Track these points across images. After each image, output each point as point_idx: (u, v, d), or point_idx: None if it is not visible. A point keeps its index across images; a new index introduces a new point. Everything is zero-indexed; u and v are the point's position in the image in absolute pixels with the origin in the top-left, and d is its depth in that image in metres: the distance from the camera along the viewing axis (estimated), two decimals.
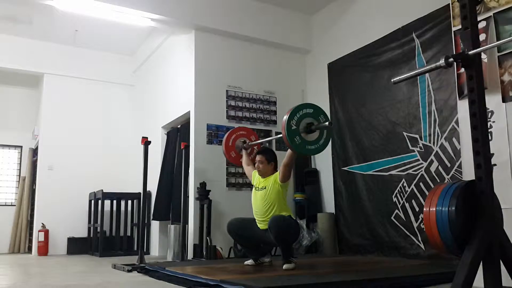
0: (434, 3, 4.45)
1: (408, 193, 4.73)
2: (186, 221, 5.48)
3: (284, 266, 3.71)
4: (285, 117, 3.56)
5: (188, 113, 5.88)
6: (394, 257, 4.72)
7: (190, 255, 5.41)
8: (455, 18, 3.27)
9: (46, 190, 7.11)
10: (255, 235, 4.05)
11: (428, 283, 3.04)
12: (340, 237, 5.55)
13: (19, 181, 8.05)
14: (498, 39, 2.93)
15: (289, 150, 3.81)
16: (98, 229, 6.59)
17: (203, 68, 5.84)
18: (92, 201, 7.06)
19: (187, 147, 5.63)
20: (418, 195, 4.61)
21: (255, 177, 4.22)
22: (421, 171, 4.62)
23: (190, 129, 5.79)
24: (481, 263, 2.01)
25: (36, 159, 7.52)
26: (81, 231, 7.17)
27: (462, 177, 3.42)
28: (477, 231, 2.01)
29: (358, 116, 5.45)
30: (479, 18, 2.72)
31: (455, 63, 2.16)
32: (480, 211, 2.06)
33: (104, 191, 6.68)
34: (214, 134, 5.73)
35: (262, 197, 4.00)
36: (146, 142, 5.13)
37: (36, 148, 7.65)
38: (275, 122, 6.16)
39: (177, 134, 6.53)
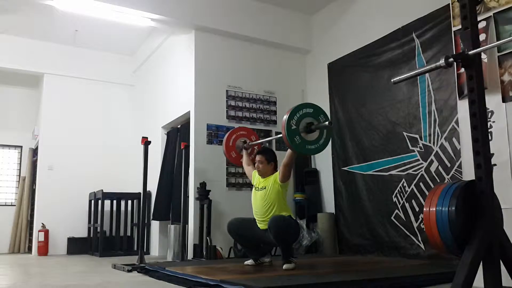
0: (434, 3, 4.45)
1: (408, 193, 4.73)
2: (186, 221, 5.48)
3: (284, 266, 3.71)
4: (285, 117, 3.56)
5: (188, 113, 5.88)
6: (394, 257, 4.72)
7: (190, 255, 5.41)
8: (455, 18, 3.27)
9: (46, 190, 7.12)
10: (255, 235, 4.05)
11: (428, 283, 3.04)
12: (340, 237, 5.55)
13: (19, 181, 8.05)
14: (498, 39, 2.93)
15: (289, 150, 3.81)
16: (98, 229, 6.59)
17: (203, 68, 5.84)
18: (92, 201, 7.06)
19: (187, 147, 5.63)
20: (418, 195, 4.61)
21: (255, 177, 4.22)
22: (421, 171, 4.62)
23: (190, 129, 5.79)
24: (481, 263, 2.01)
25: (36, 159, 7.52)
26: (81, 231, 7.18)
27: (462, 177, 3.42)
28: (477, 231, 2.01)
29: (358, 116, 5.45)
30: (479, 18, 2.72)
31: (455, 63, 2.16)
32: (480, 211, 2.06)
33: (104, 191, 6.68)
34: (214, 134, 5.73)
35: (262, 197, 4.00)
36: (146, 142, 5.13)
37: (36, 148, 7.65)
38: (275, 122, 6.16)
39: (177, 134, 6.53)
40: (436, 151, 4.48)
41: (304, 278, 3.19)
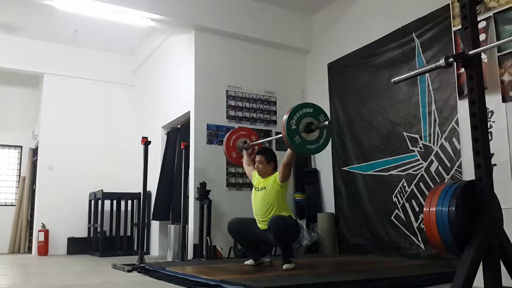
0: (434, 3, 4.45)
1: (408, 193, 4.73)
2: (186, 221, 5.48)
3: (284, 266, 3.71)
4: (285, 117, 3.56)
5: (188, 113, 5.88)
6: (394, 257, 4.72)
7: (190, 255, 5.41)
8: (455, 18, 3.27)
9: (46, 190, 7.12)
10: (255, 235, 4.05)
11: (428, 283, 3.04)
12: (340, 237, 5.55)
13: (19, 181, 8.05)
14: (498, 39, 2.93)
15: (289, 150, 3.81)
16: (98, 229, 6.59)
17: (203, 68, 5.84)
18: (92, 201, 7.06)
19: (187, 147, 5.63)
20: (418, 195, 4.61)
21: (255, 177, 4.22)
22: (421, 171, 4.62)
23: (190, 129, 5.79)
24: (481, 263, 2.01)
25: (36, 159, 7.52)
26: (81, 231, 7.18)
27: (462, 177, 3.42)
28: (477, 231, 2.01)
29: (358, 116, 5.45)
30: (479, 18, 2.72)
31: (455, 63, 2.16)
32: (480, 211, 2.06)
33: (104, 191, 6.68)
34: (214, 134, 5.73)
35: (262, 197, 4.00)
36: (146, 142, 5.13)
37: (36, 148, 7.65)
38: (275, 122, 6.16)
39: (177, 134, 6.53)
40: (436, 151, 4.48)
41: (304, 278, 3.19)
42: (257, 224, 4.04)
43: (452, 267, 2.93)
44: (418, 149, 4.67)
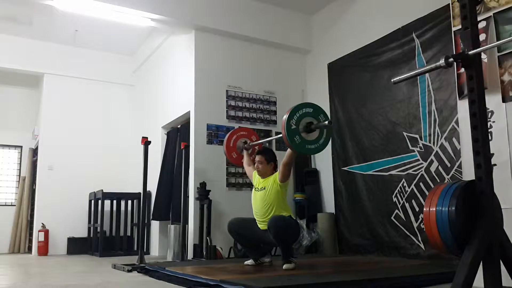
0: (434, 3, 4.45)
1: (408, 193, 4.73)
2: (186, 221, 5.48)
3: (284, 266, 3.71)
4: (285, 117, 3.56)
5: (188, 113, 5.88)
6: (394, 257, 4.72)
7: (190, 255, 5.41)
8: (455, 18, 3.27)
9: (46, 190, 7.12)
10: (256, 235, 4.05)
11: (428, 283, 3.04)
12: (340, 237, 5.55)
13: (19, 181, 8.05)
14: (498, 39, 2.93)
15: (288, 150, 3.81)
16: (98, 229, 6.59)
17: (203, 68, 5.84)
18: (92, 201, 7.06)
19: (187, 147, 5.63)
20: (418, 195, 4.61)
21: (255, 177, 4.21)
22: (421, 171, 4.62)
23: (190, 129, 5.79)
24: (481, 263, 2.01)
25: (36, 159, 7.52)
26: (81, 231, 7.17)
27: (462, 177, 3.42)
28: (477, 231, 2.01)
29: (358, 116, 5.45)
30: (479, 18, 2.72)
31: (455, 63, 2.16)
32: (480, 211, 2.06)
33: (104, 191, 6.68)
34: (214, 134, 5.73)
35: (262, 197, 4.00)
36: (146, 142, 5.13)
37: (36, 148, 7.65)
38: (275, 122, 6.16)
39: (177, 134, 6.53)
40: (436, 151, 4.48)
41: (304, 278, 3.19)
42: (257, 224, 4.04)
43: (452, 267, 2.93)
44: (418, 149, 4.67)
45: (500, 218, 2.17)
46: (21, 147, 8.23)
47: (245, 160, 4.53)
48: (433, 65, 2.21)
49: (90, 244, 6.91)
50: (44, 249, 6.84)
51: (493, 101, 2.92)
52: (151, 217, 6.75)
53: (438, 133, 4.48)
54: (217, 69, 5.92)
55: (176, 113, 6.32)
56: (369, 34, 5.38)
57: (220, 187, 5.57)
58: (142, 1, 5.51)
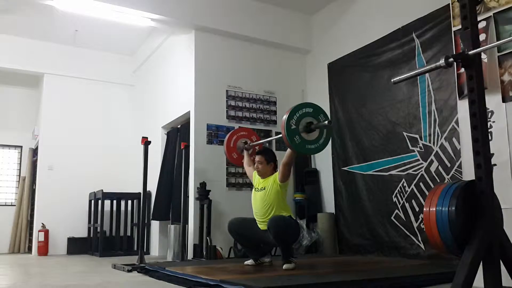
0: (434, 3, 4.45)
1: (408, 193, 4.73)
2: (186, 221, 5.48)
3: (284, 266, 3.71)
4: (285, 117, 3.56)
5: (188, 113, 5.88)
6: (394, 257, 4.72)
7: (190, 255, 5.41)
8: (455, 18, 3.27)
9: (46, 190, 7.11)
10: (256, 235, 4.05)
11: (428, 283, 3.04)
12: (340, 237, 5.55)
13: (19, 181, 8.05)
14: (498, 39, 2.93)
15: (288, 150, 3.81)
16: (98, 229, 6.59)
17: (203, 68, 5.84)
18: (92, 201, 7.06)
19: (187, 147, 5.63)
20: (418, 195, 4.61)
21: (255, 177, 4.21)
22: (421, 171, 4.62)
23: (190, 129, 5.79)
24: (481, 263, 2.01)
25: (36, 159, 7.52)
26: (81, 231, 7.17)
27: (462, 177, 3.42)
28: (477, 231, 2.01)
29: (358, 116, 5.45)
30: (479, 18, 2.72)
31: (455, 63, 2.16)
32: (480, 211, 2.06)
33: (104, 191, 6.68)
34: (214, 134, 5.73)
35: (262, 197, 4.00)
36: (146, 142, 5.13)
37: (36, 148, 7.65)
38: (275, 122, 6.16)
39: (177, 134, 6.53)
40: (436, 151, 4.48)
41: (304, 278, 3.19)
42: (257, 224, 4.04)
43: (452, 267, 2.93)
44: (418, 149, 4.67)
45: (500, 218, 2.17)
46: (21, 147, 8.23)
47: (246, 160, 4.53)
48: (433, 65, 2.21)
49: (90, 244, 6.91)
50: (44, 249, 6.84)
51: (493, 101, 2.92)
52: (151, 217, 6.74)
53: (438, 133, 4.48)
54: (217, 69, 5.92)
55: (176, 113, 6.32)
56: (369, 34, 5.38)
57: (220, 187, 5.57)
58: (142, 1, 5.51)
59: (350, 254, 5.30)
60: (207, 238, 5.17)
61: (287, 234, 3.81)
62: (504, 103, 2.91)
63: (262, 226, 3.98)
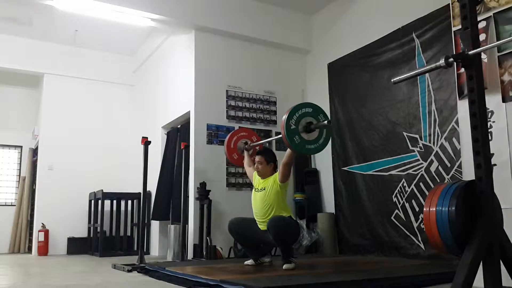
0: (434, 3, 4.45)
1: (408, 193, 4.73)
2: (186, 221, 5.48)
3: (284, 266, 3.71)
4: (284, 117, 3.56)
5: (188, 113, 5.88)
6: (394, 257, 4.72)
7: (190, 255, 5.41)
8: (455, 18, 3.27)
9: (46, 190, 7.11)
10: (256, 235, 4.05)
11: (428, 283, 3.04)
12: (340, 237, 5.55)
13: (19, 181, 8.05)
14: (498, 39, 2.93)
15: (288, 150, 3.81)
16: (98, 229, 6.59)
17: (203, 68, 5.84)
18: (92, 201, 7.06)
19: (187, 147, 5.63)
20: (418, 195, 4.61)
21: (255, 178, 4.21)
22: (421, 171, 4.62)
23: (190, 129, 5.79)
24: (481, 263, 2.01)
25: (36, 159, 7.52)
26: (81, 231, 7.17)
27: (462, 177, 3.42)
28: (477, 231, 2.01)
29: (358, 116, 5.45)
30: (479, 18, 2.72)
31: (455, 63, 2.16)
32: (480, 211, 2.06)
33: (104, 191, 6.68)
34: (214, 134, 5.73)
35: (262, 198, 4.00)
36: (146, 142, 5.13)
37: (36, 148, 7.65)
38: (275, 122, 6.16)
39: (177, 134, 6.53)
40: (436, 151, 4.48)
41: (304, 278, 3.19)
42: (258, 224, 4.04)
43: (452, 267, 2.93)
44: (418, 149, 4.67)
45: (500, 218, 2.17)
46: (21, 147, 8.23)
47: (246, 161, 4.52)
48: (433, 65, 2.21)
49: (90, 244, 6.91)
50: (44, 249, 6.84)
51: (493, 101, 2.92)
52: (151, 217, 6.74)
53: (438, 133, 4.48)
54: (217, 69, 5.92)
55: (176, 113, 6.32)
56: (369, 34, 5.38)
57: (220, 187, 5.57)
58: (142, 1, 5.51)
59: (350, 254, 5.29)
60: (207, 238, 5.17)
61: (287, 235, 3.81)
62: (504, 103, 2.91)
63: (262, 227, 3.97)
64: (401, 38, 4.94)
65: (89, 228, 7.10)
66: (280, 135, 3.68)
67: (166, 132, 6.88)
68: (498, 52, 2.95)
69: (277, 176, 3.98)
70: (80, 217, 7.18)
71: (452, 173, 4.29)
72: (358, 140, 5.41)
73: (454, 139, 4.27)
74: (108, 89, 7.89)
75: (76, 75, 7.61)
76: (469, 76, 2.17)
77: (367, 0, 5.56)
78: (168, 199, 6.45)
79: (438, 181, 4.38)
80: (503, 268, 2.03)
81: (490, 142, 2.24)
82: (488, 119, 2.89)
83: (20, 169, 8.17)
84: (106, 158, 7.56)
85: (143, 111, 7.65)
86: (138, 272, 4.12)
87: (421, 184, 4.60)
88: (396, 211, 4.83)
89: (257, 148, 4.62)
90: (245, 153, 4.56)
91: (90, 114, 7.66)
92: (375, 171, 5.14)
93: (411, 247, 4.64)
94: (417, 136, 4.69)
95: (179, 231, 5.44)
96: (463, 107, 3.06)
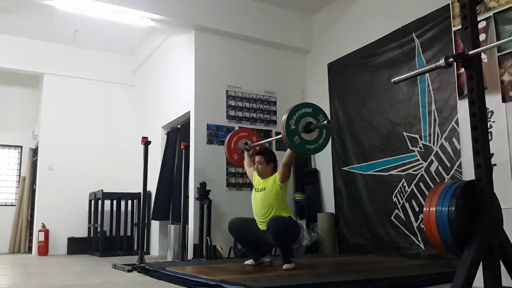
0: (434, 3, 4.45)
1: (408, 193, 4.73)
2: (186, 221, 5.48)
3: (284, 266, 3.71)
4: (284, 117, 3.56)
5: (188, 113, 5.88)
6: (394, 257, 4.72)
7: (190, 255, 5.41)
8: (455, 18, 3.27)
9: (46, 190, 7.12)
10: (256, 235, 4.05)
11: (428, 283, 3.04)
12: (340, 237, 5.55)
13: (19, 181, 8.05)
14: (498, 39, 2.93)
15: (288, 150, 3.81)
16: (98, 229, 6.59)
17: (203, 68, 5.84)
18: (92, 201, 7.06)
19: (187, 147, 5.63)
20: (418, 195, 4.61)
21: (255, 178, 4.21)
22: (421, 171, 4.62)
23: (190, 129, 5.79)
24: (481, 263, 2.01)
25: (36, 159, 7.52)
26: (81, 231, 7.17)
27: (462, 177, 3.42)
28: (477, 231, 2.01)
29: (358, 116, 5.45)
30: (479, 18, 2.72)
31: (455, 63, 2.16)
32: (480, 211, 2.06)
33: (104, 191, 6.68)
34: (214, 134, 5.73)
35: (262, 198, 4.00)
36: (146, 142, 5.14)
37: (36, 148, 7.65)
38: (275, 122, 6.16)
39: (177, 134, 6.53)
40: (436, 151, 4.48)
41: (304, 278, 3.19)
42: (258, 224, 4.04)
43: (452, 267, 2.93)
44: (418, 149, 4.67)
45: (500, 218, 2.17)
46: (21, 147, 8.23)
47: (246, 161, 4.52)
48: (433, 65, 2.21)
49: (90, 244, 6.91)
50: (44, 249, 6.84)
51: (493, 101, 2.92)
52: (151, 217, 6.74)
53: (438, 133, 4.48)
54: (217, 69, 5.92)
55: (176, 113, 6.32)
56: (369, 34, 5.38)
57: (220, 187, 5.57)
58: (142, 1, 5.51)
59: (350, 254, 5.30)
60: (207, 238, 5.17)
61: (286, 235, 3.81)
62: (504, 103, 2.91)
63: (262, 227, 3.97)
64: (401, 38, 4.94)
65: (89, 228, 7.10)
66: (280, 135, 3.68)
67: (166, 132, 6.88)
68: (498, 52, 2.95)
69: (277, 176, 3.98)
70: (80, 217, 7.18)
71: (452, 173, 4.29)
72: (358, 140, 5.41)
73: (454, 139, 4.27)
74: (108, 89, 7.89)
75: (76, 75, 7.61)
76: (469, 76, 2.17)
77: (367, 0, 5.56)
78: (168, 199, 6.45)
79: (438, 181, 4.38)
80: (503, 268, 2.03)
81: (490, 142, 2.24)
82: (488, 119, 2.89)
83: (20, 169, 8.17)
84: (106, 158, 7.56)
85: (143, 111, 7.65)
86: (138, 272, 4.12)
87: (421, 184, 4.61)
88: (396, 211, 4.83)
89: (257, 148, 4.62)
90: (245, 154, 4.56)
91: (90, 114, 7.66)
92: (375, 171, 5.14)
93: (411, 247, 4.64)
94: (417, 136, 4.69)
95: (179, 231, 5.44)
96: (463, 107, 3.06)
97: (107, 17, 5.82)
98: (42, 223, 6.94)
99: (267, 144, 5.57)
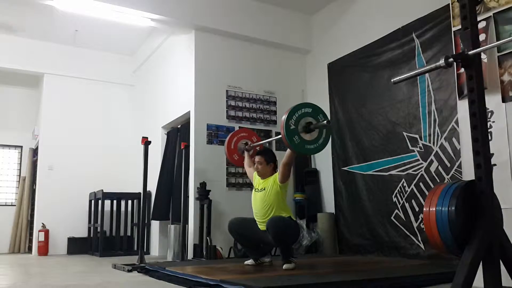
0: (434, 3, 4.45)
1: (408, 193, 4.73)
2: (186, 221, 5.48)
3: (284, 266, 3.71)
4: (284, 117, 3.56)
5: (188, 113, 5.88)
6: (394, 257, 4.72)
7: (190, 255, 5.41)
8: (455, 18, 3.27)
9: (46, 190, 7.12)
10: (256, 235, 4.05)
11: (428, 283, 3.04)
12: (340, 237, 5.55)
13: (19, 181, 8.05)
14: (498, 39, 2.93)
15: (288, 150, 3.81)
16: (98, 229, 6.59)
17: (203, 68, 5.84)
18: (92, 201, 7.06)
19: (187, 147, 5.63)
20: (418, 195, 4.61)
21: (255, 178, 4.21)
22: (421, 171, 4.62)
23: (190, 129, 5.80)
24: (481, 263, 2.01)
25: (36, 159, 7.52)
26: (81, 231, 7.18)
27: (462, 177, 3.42)
28: (477, 231, 2.01)
29: (358, 116, 5.45)
30: (479, 18, 2.73)
31: (455, 63, 2.16)
32: (480, 211, 2.06)
33: (104, 191, 6.68)
34: (214, 134, 5.73)
35: (262, 198, 4.00)
36: (146, 142, 5.14)
37: (36, 148, 7.65)
38: (275, 122, 6.16)
39: (177, 134, 6.53)
40: (436, 151, 4.48)
41: (304, 278, 3.19)
42: (258, 224, 4.04)
43: (452, 267, 2.93)
44: (418, 149, 4.67)
45: (500, 218, 2.17)
46: (21, 147, 8.23)
47: (246, 161, 4.52)
48: (433, 65, 2.21)
49: (90, 244, 6.91)
50: (44, 249, 6.84)
51: (493, 101, 2.92)
52: (151, 217, 6.74)
53: (438, 133, 4.48)
54: (217, 69, 5.92)
55: (176, 113, 6.32)
56: (369, 34, 5.38)
57: (220, 187, 5.57)
58: (142, 1, 5.52)
59: (350, 254, 5.30)
60: (207, 238, 5.17)
61: (286, 235, 3.81)
62: (504, 103, 2.91)
63: (262, 227, 3.97)
64: (401, 38, 4.94)
65: (89, 228, 7.10)
66: (280, 135, 3.68)
67: (166, 132, 6.88)
68: (498, 52, 2.95)
69: (277, 176, 3.97)
70: (80, 217, 7.18)
71: (452, 173, 4.29)
72: (358, 140, 5.41)
73: (454, 139, 4.27)
74: (108, 89, 7.89)
75: (76, 75, 7.61)
76: (469, 76, 2.17)
77: (367, 0, 5.56)
78: (168, 199, 6.45)
79: (438, 181, 4.38)
80: (503, 268, 2.03)
81: (490, 142, 2.24)
82: (488, 119, 2.89)
83: (20, 169, 8.17)
84: (106, 158, 7.56)
85: (143, 111, 7.65)
86: (138, 272, 4.12)
87: (421, 184, 4.61)
88: (396, 211, 4.83)
89: (258, 148, 4.62)
90: (246, 154, 4.56)
91: (90, 114, 7.66)
92: (375, 171, 5.14)
93: (411, 247, 4.64)
94: (417, 136, 4.69)
95: (179, 231, 5.44)
96: (463, 107, 3.06)
97: (107, 17, 5.82)
98: (42, 223, 6.94)
99: (267, 144, 5.57)
